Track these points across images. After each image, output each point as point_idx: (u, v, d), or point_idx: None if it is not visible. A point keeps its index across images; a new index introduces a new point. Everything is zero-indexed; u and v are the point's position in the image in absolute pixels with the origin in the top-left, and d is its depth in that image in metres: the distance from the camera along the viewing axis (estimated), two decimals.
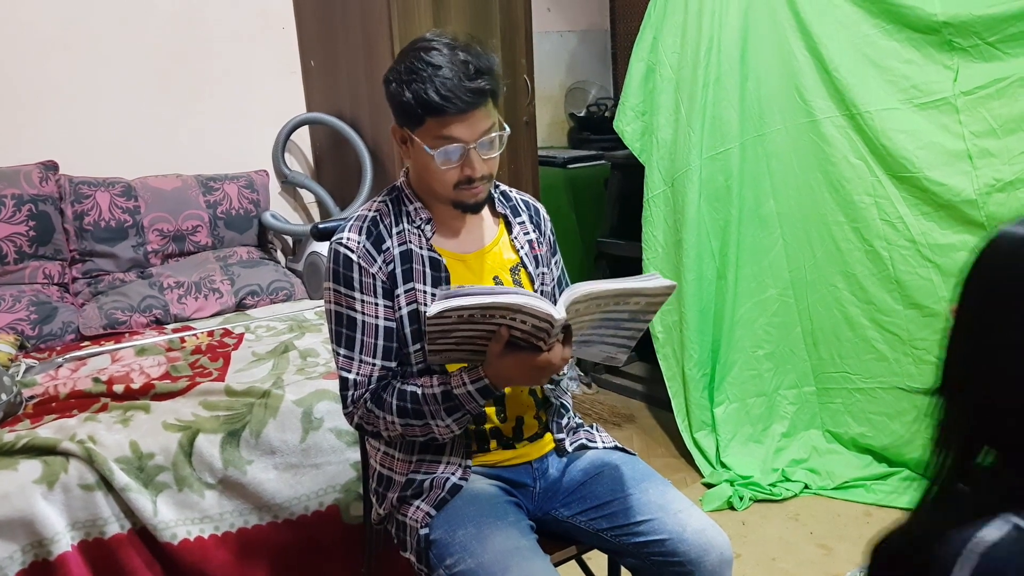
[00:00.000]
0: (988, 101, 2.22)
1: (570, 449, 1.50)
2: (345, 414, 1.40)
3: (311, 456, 1.82)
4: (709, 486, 2.55)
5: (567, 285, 1.59)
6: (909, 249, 2.34)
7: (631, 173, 3.00)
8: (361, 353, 1.36)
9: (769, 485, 2.51)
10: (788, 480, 2.54)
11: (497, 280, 1.44)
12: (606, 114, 3.91)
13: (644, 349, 2.77)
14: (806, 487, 2.52)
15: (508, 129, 1.36)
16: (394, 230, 1.39)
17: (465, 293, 1.20)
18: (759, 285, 2.65)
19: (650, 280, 1.25)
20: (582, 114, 4.01)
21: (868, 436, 2.56)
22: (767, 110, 2.57)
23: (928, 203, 2.31)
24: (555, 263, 1.57)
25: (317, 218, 3.20)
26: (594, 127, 3.94)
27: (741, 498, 2.46)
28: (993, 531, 0.68)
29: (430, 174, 1.36)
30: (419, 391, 1.33)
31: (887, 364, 2.46)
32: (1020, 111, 2.17)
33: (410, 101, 1.28)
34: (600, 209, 3.46)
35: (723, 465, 2.59)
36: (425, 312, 1.33)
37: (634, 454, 1.52)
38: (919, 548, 0.72)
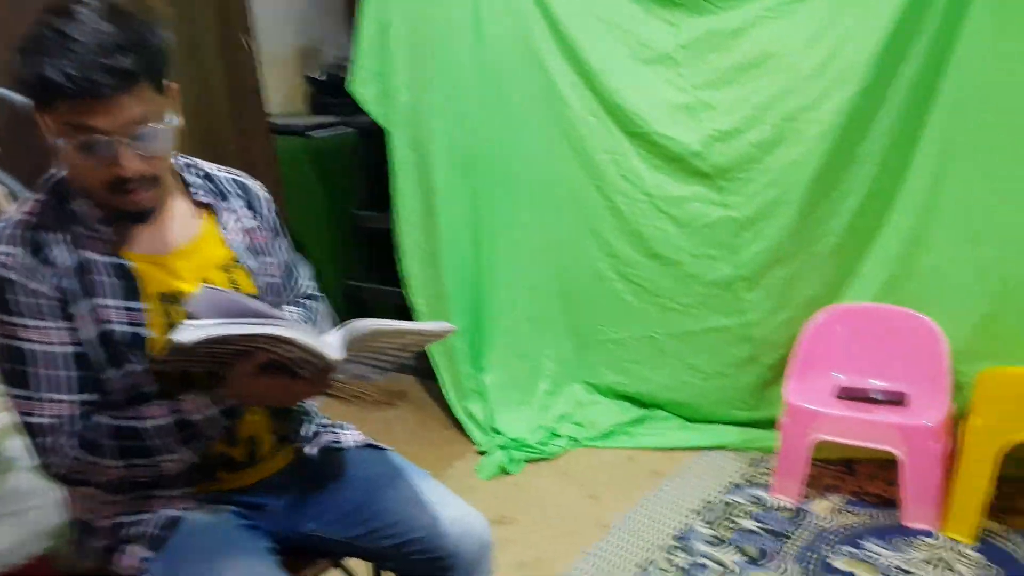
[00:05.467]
0: (705, 54, 2.33)
1: (315, 455, 1.37)
2: (41, 466, 1.15)
3: (8, 503, 1.54)
4: (484, 455, 2.53)
5: (296, 269, 1.45)
6: (645, 202, 2.43)
7: (379, 139, 2.85)
8: (42, 390, 1.12)
9: (538, 443, 2.54)
10: (556, 436, 2.59)
11: (208, 282, 1.25)
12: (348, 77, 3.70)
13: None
14: (574, 440, 2.58)
15: (176, 121, 1.14)
16: (61, 235, 1.14)
17: (225, 321, 1.04)
18: (515, 250, 2.64)
19: (436, 326, 1.23)
20: (323, 78, 3.76)
21: (624, 384, 2.66)
22: (506, 72, 2.53)
23: (659, 157, 2.40)
24: (280, 247, 1.40)
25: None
26: (335, 91, 3.69)
27: (513, 461, 2.47)
28: None
29: (75, 171, 1.13)
30: (146, 425, 1.13)
31: (635, 314, 2.55)
32: (732, 63, 2.29)
33: (30, 78, 1.04)
34: (352, 179, 3.28)
35: (495, 431, 2.58)
36: (134, 333, 1.14)
37: (386, 449, 1.42)
38: None
